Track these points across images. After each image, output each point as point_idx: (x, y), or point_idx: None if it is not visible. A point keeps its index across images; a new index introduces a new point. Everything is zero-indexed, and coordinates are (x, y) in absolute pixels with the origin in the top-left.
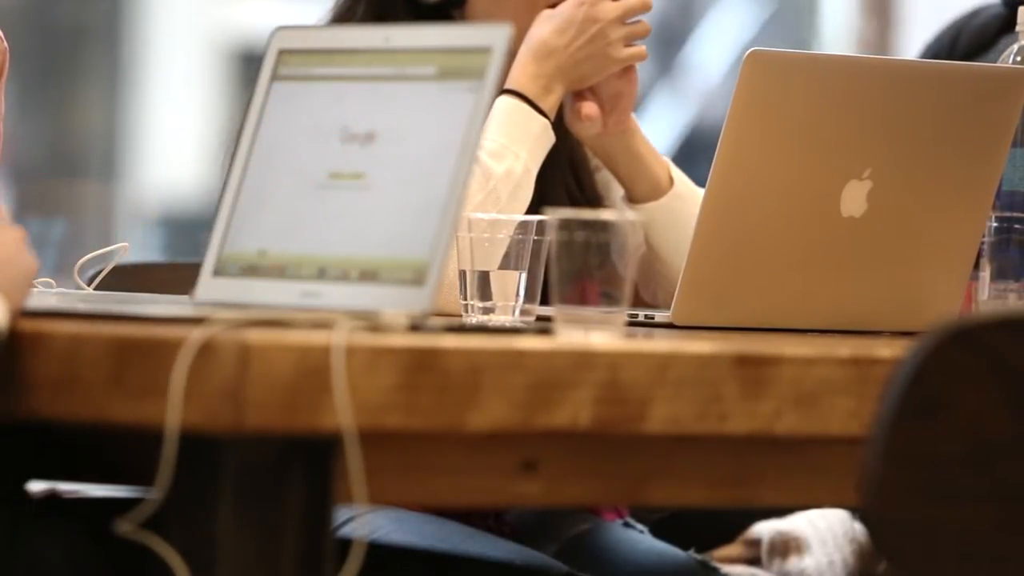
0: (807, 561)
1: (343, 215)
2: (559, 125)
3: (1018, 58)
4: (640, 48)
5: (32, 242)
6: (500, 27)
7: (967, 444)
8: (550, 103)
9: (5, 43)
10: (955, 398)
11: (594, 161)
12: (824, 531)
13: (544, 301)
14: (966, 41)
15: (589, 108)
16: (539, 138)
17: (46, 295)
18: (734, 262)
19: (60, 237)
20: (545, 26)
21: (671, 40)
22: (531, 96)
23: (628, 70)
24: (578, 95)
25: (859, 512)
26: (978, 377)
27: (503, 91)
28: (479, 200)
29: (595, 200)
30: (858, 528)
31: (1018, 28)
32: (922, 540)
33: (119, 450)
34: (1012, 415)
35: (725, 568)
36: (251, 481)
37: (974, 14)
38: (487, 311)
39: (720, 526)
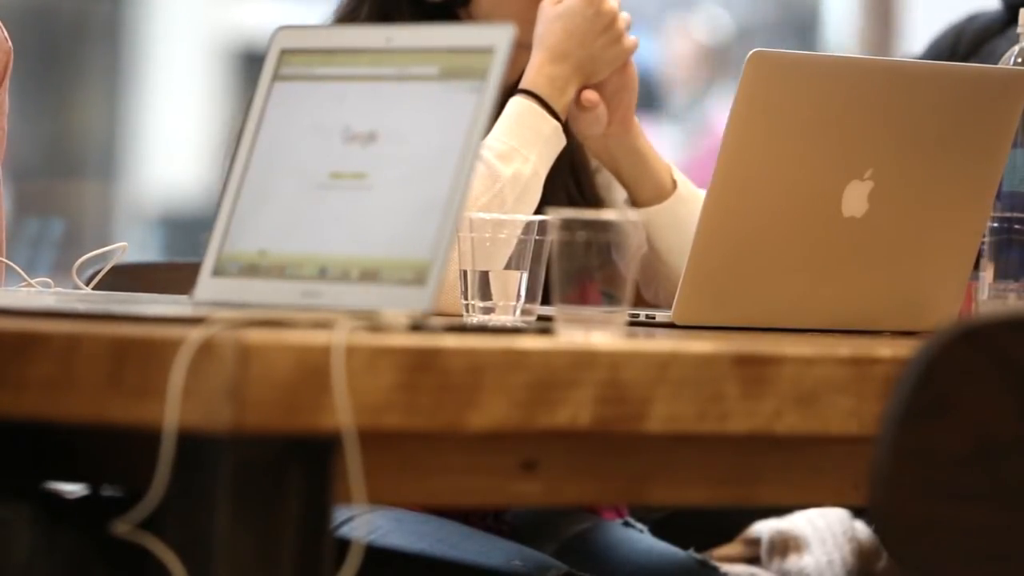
0: (806, 560)
1: (344, 215)
2: (563, 127)
3: (1019, 59)
4: (636, 38)
5: (31, 242)
6: (503, 27)
7: (975, 443)
8: (563, 104)
9: (10, 43)
10: (963, 398)
11: (594, 163)
12: (823, 530)
13: (545, 301)
14: (967, 44)
15: (590, 93)
16: (549, 141)
17: (44, 295)
18: (735, 262)
19: (59, 237)
20: (555, 25)
21: None
22: (546, 97)
23: (626, 63)
24: (579, 91)
25: (866, 510)
26: (986, 377)
27: (518, 91)
28: (484, 202)
29: (595, 202)
30: (857, 527)
31: (1019, 30)
32: (929, 539)
33: (118, 450)
34: (1020, 415)
35: (725, 567)
36: (250, 481)
37: (972, 18)
38: (488, 311)
39: (720, 525)
